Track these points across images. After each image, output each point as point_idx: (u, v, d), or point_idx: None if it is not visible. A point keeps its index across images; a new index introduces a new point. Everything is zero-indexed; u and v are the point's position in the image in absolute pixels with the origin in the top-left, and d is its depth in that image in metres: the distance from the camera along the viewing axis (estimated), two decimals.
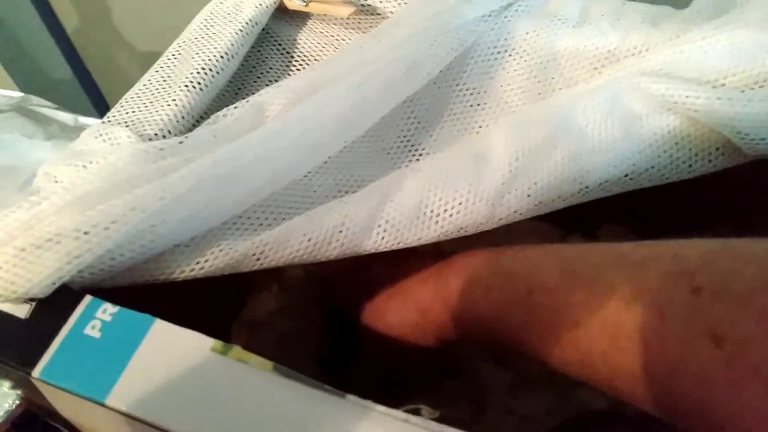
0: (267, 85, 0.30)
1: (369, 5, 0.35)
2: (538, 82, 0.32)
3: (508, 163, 0.27)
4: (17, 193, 0.28)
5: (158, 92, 0.30)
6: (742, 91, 0.28)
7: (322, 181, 0.30)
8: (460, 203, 0.27)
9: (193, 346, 0.22)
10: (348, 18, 0.35)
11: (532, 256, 0.26)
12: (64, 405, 0.24)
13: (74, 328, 0.23)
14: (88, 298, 0.24)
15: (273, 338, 0.45)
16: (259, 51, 0.36)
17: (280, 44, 0.36)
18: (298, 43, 0.36)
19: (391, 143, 0.32)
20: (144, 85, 0.31)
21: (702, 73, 0.28)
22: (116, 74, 0.94)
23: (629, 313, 0.21)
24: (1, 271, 0.24)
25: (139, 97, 0.30)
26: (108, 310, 0.23)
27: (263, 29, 0.35)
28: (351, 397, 0.20)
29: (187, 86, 0.30)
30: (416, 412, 0.19)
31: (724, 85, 0.28)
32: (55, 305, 0.24)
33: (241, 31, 0.33)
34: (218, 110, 0.29)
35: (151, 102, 0.30)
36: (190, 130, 0.28)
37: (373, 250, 0.27)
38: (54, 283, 0.24)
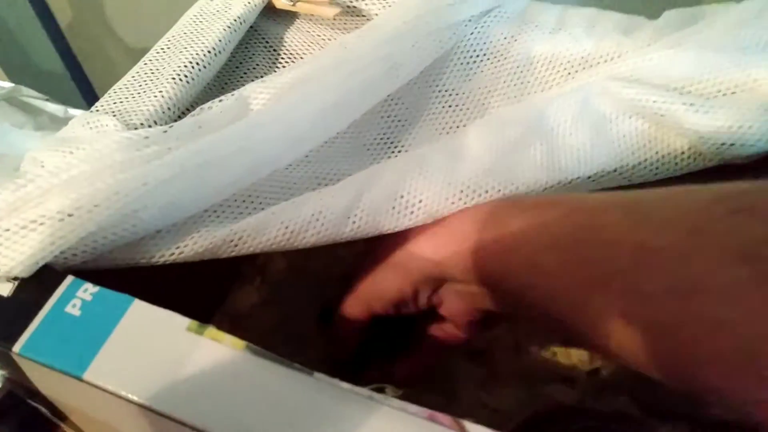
0: (253, 81, 0.31)
1: (354, 7, 0.36)
2: (515, 85, 0.33)
3: (483, 158, 0.28)
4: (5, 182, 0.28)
5: (146, 84, 0.31)
6: (707, 98, 0.29)
7: (302, 173, 0.30)
8: (434, 194, 0.28)
9: (170, 325, 0.22)
10: (334, 18, 0.36)
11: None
12: (45, 382, 0.25)
13: (55, 306, 0.24)
14: (70, 278, 0.24)
15: (255, 331, 0.46)
16: (246, 48, 0.37)
17: (267, 42, 0.37)
18: (285, 41, 0.37)
19: (371, 140, 0.33)
20: (132, 76, 0.32)
21: (670, 79, 0.30)
22: (107, 68, 0.94)
23: (660, 232, 0.21)
24: None
25: (127, 88, 0.31)
26: (89, 290, 0.24)
27: (251, 27, 0.36)
28: (318, 375, 0.21)
29: (174, 79, 0.31)
30: (381, 391, 0.20)
31: (690, 92, 0.30)
32: (38, 284, 0.25)
33: (229, 27, 0.34)
34: (204, 103, 0.30)
35: (139, 93, 0.31)
36: (176, 121, 0.29)
37: (349, 238, 0.28)
38: (37, 263, 0.25)
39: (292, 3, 0.36)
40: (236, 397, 0.21)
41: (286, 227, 0.27)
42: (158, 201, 0.25)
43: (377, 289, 0.30)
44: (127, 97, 0.31)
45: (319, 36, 0.37)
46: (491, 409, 0.41)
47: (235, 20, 0.34)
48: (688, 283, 0.19)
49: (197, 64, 0.32)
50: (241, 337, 0.22)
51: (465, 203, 0.28)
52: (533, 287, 0.25)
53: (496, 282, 0.26)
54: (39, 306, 0.24)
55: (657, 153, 0.30)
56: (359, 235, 0.29)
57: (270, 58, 0.37)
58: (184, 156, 0.26)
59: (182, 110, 0.31)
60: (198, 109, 0.30)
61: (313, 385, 0.20)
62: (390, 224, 0.28)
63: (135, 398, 0.21)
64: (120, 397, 0.21)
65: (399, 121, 0.33)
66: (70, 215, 0.24)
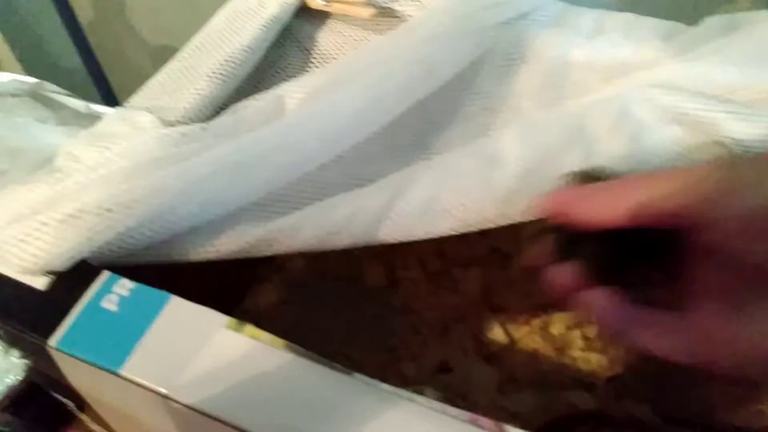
0: (285, 81, 0.31)
1: (389, 8, 0.36)
2: (550, 89, 0.33)
3: (519, 165, 0.28)
4: (28, 175, 0.28)
5: (181, 81, 0.31)
6: (748, 106, 0.29)
7: (335, 174, 0.30)
8: (470, 200, 0.27)
9: (208, 322, 0.22)
10: (368, 19, 0.36)
11: None
12: (79, 377, 0.25)
13: (92, 301, 0.24)
14: (106, 274, 0.24)
15: (273, 329, 0.45)
16: (279, 47, 0.37)
17: (300, 42, 0.37)
18: (318, 42, 0.37)
19: (405, 142, 0.33)
20: (167, 73, 0.32)
21: (710, 87, 0.29)
22: (127, 67, 0.95)
23: None
24: (23, 244, 0.25)
25: (162, 84, 0.31)
26: (126, 285, 0.24)
27: (285, 27, 0.36)
28: (358, 375, 0.20)
29: (210, 76, 0.31)
30: (421, 393, 0.20)
31: (730, 99, 0.29)
32: (74, 279, 0.25)
33: (264, 26, 0.34)
34: (238, 102, 0.30)
35: (174, 90, 0.31)
36: (211, 119, 0.29)
37: (383, 242, 0.28)
38: (74, 258, 0.25)
39: (326, 3, 0.36)
40: (275, 395, 0.20)
41: (321, 228, 0.27)
42: (196, 198, 0.25)
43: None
44: (162, 94, 0.31)
45: (351, 37, 0.37)
46: (510, 413, 0.40)
47: (269, 19, 0.34)
48: None
49: (233, 62, 0.32)
50: None
51: (501, 210, 0.28)
52: None
53: None
54: (75, 300, 0.24)
55: (694, 162, 0.30)
56: (392, 239, 0.28)
57: (302, 58, 0.36)
58: (222, 154, 0.26)
59: (217, 108, 0.31)
60: (234, 107, 0.29)
61: (353, 385, 0.20)
62: (424, 229, 0.28)
63: (172, 395, 0.21)
64: (157, 393, 0.21)
65: (432, 123, 0.33)
66: (108, 210, 0.24)
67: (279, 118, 0.28)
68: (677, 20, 0.34)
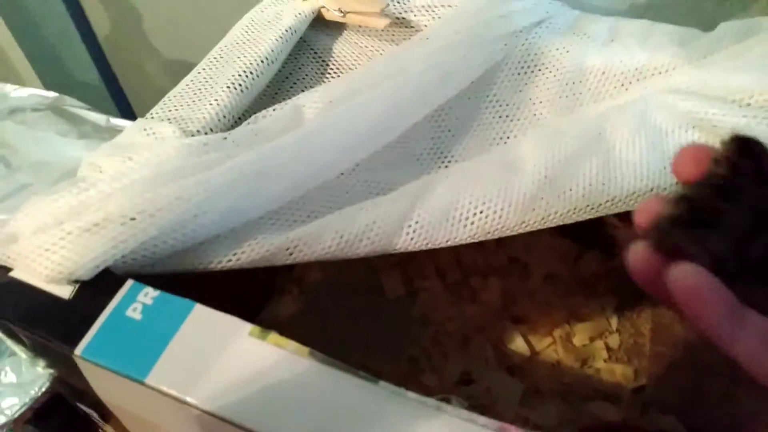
0: (302, 91, 0.32)
1: (404, 18, 0.36)
2: (567, 96, 0.33)
3: (539, 172, 0.28)
4: (51, 188, 0.29)
5: (200, 92, 0.32)
6: (766, 111, 0.29)
7: (354, 182, 0.31)
8: (490, 207, 0.27)
9: (232, 330, 0.22)
10: (383, 30, 0.36)
11: None
12: (103, 385, 0.25)
13: (116, 309, 0.24)
14: (130, 282, 0.25)
15: (293, 340, 0.45)
16: (296, 58, 0.37)
17: (316, 53, 0.37)
18: (334, 53, 0.37)
19: (422, 150, 0.33)
20: (187, 84, 0.32)
21: (728, 92, 0.29)
22: (144, 81, 0.96)
23: None
24: (48, 253, 0.25)
25: (182, 95, 0.32)
26: (149, 294, 0.24)
27: (301, 38, 0.37)
28: (383, 384, 0.20)
29: (228, 87, 0.31)
30: (448, 402, 0.20)
31: (749, 104, 0.29)
32: (98, 287, 0.25)
33: (281, 38, 0.34)
34: (256, 112, 0.30)
35: (194, 101, 0.31)
36: (229, 129, 0.29)
37: (402, 249, 0.28)
38: (98, 267, 0.25)
39: (341, 14, 0.36)
40: (300, 403, 0.20)
41: (341, 236, 0.27)
42: (218, 206, 0.25)
43: None
44: (182, 105, 0.31)
45: (367, 47, 0.37)
46: (533, 424, 0.40)
47: (286, 30, 0.35)
48: None
49: (251, 73, 0.32)
50: None
51: (520, 217, 0.28)
52: None
53: None
54: (100, 309, 0.24)
55: None
56: (412, 247, 0.28)
57: (319, 69, 0.37)
58: (243, 163, 0.26)
59: (236, 118, 0.31)
60: (253, 117, 0.30)
61: (379, 393, 0.20)
62: (444, 237, 0.28)
63: (198, 403, 0.21)
64: (182, 402, 0.21)
65: (449, 131, 0.33)
66: (132, 219, 0.24)
67: (298, 127, 0.29)
68: (694, 26, 0.34)
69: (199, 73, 0.33)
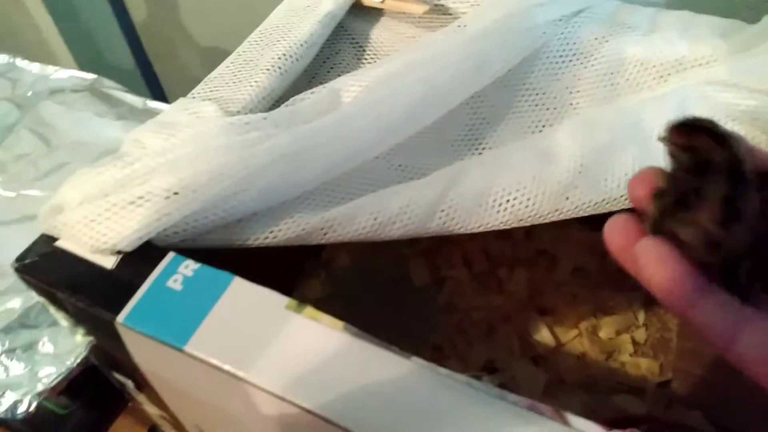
0: (339, 76, 0.32)
1: (442, 5, 0.36)
2: (604, 86, 0.33)
3: (575, 161, 0.28)
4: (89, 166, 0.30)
5: (241, 74, 0.32)
6: None
7: (389, 165, 0.31)
8: (523, 194, 0.28)
9: (269, 303, 0.23)
10: (421, 16, 0.36)
11: None
12: (143, 353, 0.26)
13: (157, 280, 0.25)
14: (171, 254, 0.25)
15: None
16: (333, 43, 0.37)
17: (353, 38, 0.38)
18: (371, 38, 0.38)
19: (456, 136, 0.33)
20: (227, 66, 0.33)
21: (767, 84, 0.29)
22: (178, 68, 0.97)
23: None
24: (93, 224, 0.26)
25: (222, 77, 0.32)
26: (190, 266, 0.25)
27: (339, 23, 0.37)
28: (415, 359, 0.21)
29: (268, 69, 0.32)
30: (479, 379, 0.20)
31: None
32: (140, 259, 0.26)
33: (319, 23, 0.35)
34: (294, 95, 0.31)
35: (234, 83, 0.32)
36: (270, 110, 0.30)
37: (434, 233, 0.28)
38: (141, 238, 0.26)
39: (380, 0, 0.36)
40: (334, 375, 0.21)
41: (375, 218, 0.28)
42: (257, 184, 0.26)
43: None
44: (222, 86, 0.32)
45: (404, 34, 0.37)
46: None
47: (325, 15, 0.35)
48: None
49: (290, 56, 0.33)
50: None
51: (554, 205, 0.28)
52: None
53: None
54: (141, 279, 0.25)
55: None
56: (444, 231, 0.29)
57: (356, 54, 0.37)
58: (283, 143, 0.27)
59: (275, 100, 0.32)
60: (292, 99, 0.30)
61: (412, 368, 0.21)
62: (476, 222, 0.28)
63: (235, 371, 0.22)
64: (220, 370, 0.22)
65: (484, 118, 0.34)
66: (175, 193, 0.25)
67: (335, 110, 0.29)
68: (737, 18, 0.34)
69: (239, 55, 0.34)
